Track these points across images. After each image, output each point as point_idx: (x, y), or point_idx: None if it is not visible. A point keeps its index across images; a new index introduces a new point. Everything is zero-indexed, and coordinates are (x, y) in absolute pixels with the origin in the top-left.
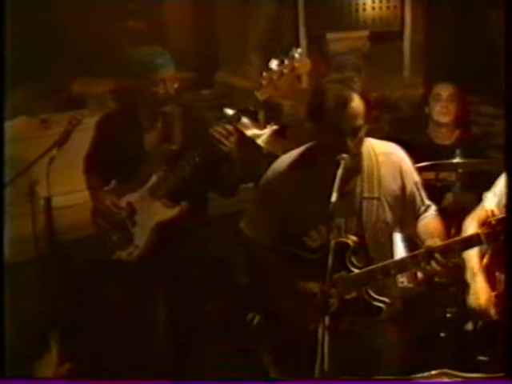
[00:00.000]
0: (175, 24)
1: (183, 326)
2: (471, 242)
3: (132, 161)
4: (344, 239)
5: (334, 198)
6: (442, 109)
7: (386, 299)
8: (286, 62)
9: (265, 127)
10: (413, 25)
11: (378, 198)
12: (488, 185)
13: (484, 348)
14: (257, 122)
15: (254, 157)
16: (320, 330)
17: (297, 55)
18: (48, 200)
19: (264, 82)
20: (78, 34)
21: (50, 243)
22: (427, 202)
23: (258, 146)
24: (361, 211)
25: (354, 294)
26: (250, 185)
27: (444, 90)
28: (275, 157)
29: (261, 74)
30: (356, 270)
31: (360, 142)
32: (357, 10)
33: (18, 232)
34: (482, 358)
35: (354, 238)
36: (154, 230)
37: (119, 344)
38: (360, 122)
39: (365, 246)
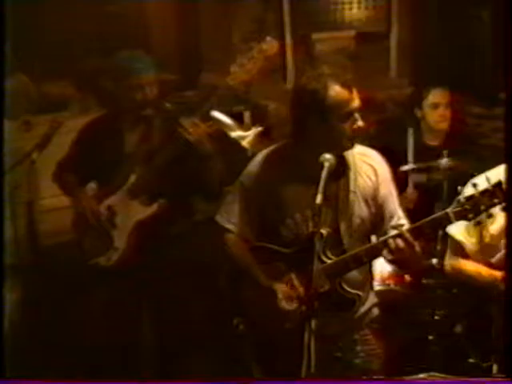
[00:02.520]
0: (158, 25)
1: (167, 332)
2: (440, 221)
3: (112, 164)
4: (318, 229)
5: (318, 199)
6: (441, 117)
7: (359, 292)
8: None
9: (249, 129)
10: (399, 25)
11: (354, 192)
12: None
13: (473, 350)
14: (241, 124)
15: (239, 159)
16: (306, 334)
17: (262, 40)
18: (29, 204)
19: (235, 69)
20: (59, 35)
21: (31, 248)
22: (401, 215)
23: (243, 148)
24: (337, 203)
25: (326, 287)
26: None
27: (442, 98)
28: None
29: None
30: (328, 260)
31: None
32: (343, 9)
33: None
34: (471, 360)
35: (328, 229)
36: (134, 231)
37: (101, 352)
38: (348, 108)
39: (339, 238)
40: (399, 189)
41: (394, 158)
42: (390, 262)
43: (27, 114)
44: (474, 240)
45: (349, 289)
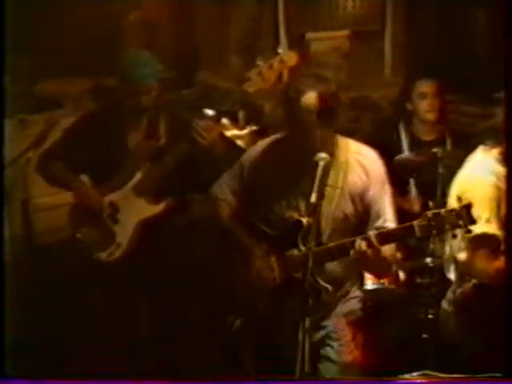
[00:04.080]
0: (155, 24)
1: (167, 328)
2: (405, 232)
3: (115, 160)
4: (299, 218)
5: (313, 198)
6: (428, 106)
7: (328, 286)
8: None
9: (244, 128)
10: (394, 24)
11: (341, 188)
12: None
13: (467, 349)
14: (236, 123)
15: (236, 158)
16: (300, 333)
17: (281, 50)
18: (25, 202)
19: (252, 76)
20: (56, 33)
21: (27, 247)
22: (389, 217)
23: (240, 148)
24: (322, 197)
25: (299, 275)
26: None
27: (428, 87)
28: None
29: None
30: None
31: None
32: (337, 9)
33: None
34: (464, 358)
35: (309, 219)
36: (138, 228)
37: (101, 348)
38: (311, 117)
39: (319, 230)
40: (400, 192)
41: (389, 155)
42: (356, 261)
43: (23, 112)
44: None
45: (320, 280)
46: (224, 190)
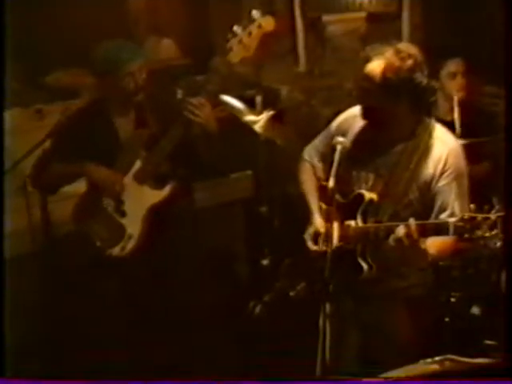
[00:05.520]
0: (168, 10)
1: (182, 319)
2: (441, 228)
3: (109, 154)
4: (362, 192)
5: (331, 183)
6: (458, 86)
7: (370, 262)
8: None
9: (261, 113)
10: (411, 5)
11: (413, 172)
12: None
13: (490, 332)
14: (253, 108)
15: (251, 143)
16: (321, 319)
17: (258, 15)
18: (42, 193)
19: (233, 46)
20: (68, 23)
21: (46, 237)
22: (456, 212)
23: (255, 133)
24: (391, 176)
25: (351, 246)
26: (249, 172)
27: (458, 67)
28: (273, 143)
29: (227, 41)
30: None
31: None
32: None
33: (14, 226)
34: (488, 342)
35: (374, 195)
36: (148, 216)
37: (116, 341)
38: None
39: (379, 208)
40: None
41: None
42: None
43: (39, 102)
44: None
45: (367, 257)
46: (311, 152)
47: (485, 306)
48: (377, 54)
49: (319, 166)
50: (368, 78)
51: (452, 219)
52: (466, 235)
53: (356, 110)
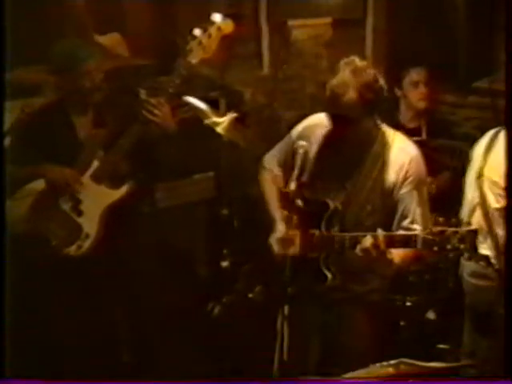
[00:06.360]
0: (134, 10)
1: (142, 319)
2: (409, 240)
3: (67, 153)
4: (327, 200)
5: (292, 186)
6: (420, 95)
7: (334, 271)
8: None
9: (224, 115)
10: (375, 12)
11: (375, 181)
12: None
13: (443, 336)
14: (216, 110)
15: (214, 145)
16: (279, 321)
17: (218, 19)
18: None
19: (194, 47)
20: (31, 20)
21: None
22: (417, 219)
23: (218, 135)
24: (355, 185)
25: (315, 255)
26: (211, 174)
27: (421, 76)
28: (235, 145)
29: (187, 43)
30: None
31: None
32: None
33: None
34: (442, 346)
35: (338, 204)
36: (105, 215)
37: (72, 341)
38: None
39: (344, 216)
40: None
41: None
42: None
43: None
44: None
45: (331, 265)
46: (271, 160)
47: (440, 311)
48: (349, 67)
49: (279, 174)
50: (341, 89)
51: (420, 232)
52: (435, 248)
53: (317, 117)
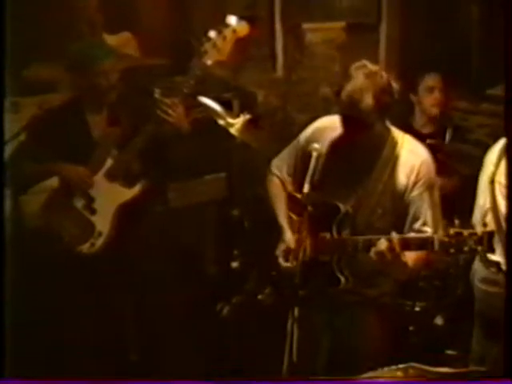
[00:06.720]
0: (147, 9)
1: (151, 318)
2: (425, 242)
3: (81, 151)
4: (338, 203)
5: (306, 188)
6: (434, 101)
7: (347, 274)
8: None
9: (238, 116)
10: (389, 17)
11: (385, 184)
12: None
13: (452, 342)
14: (230, 111)
15: (227, 145)
16: (289, 323)
17: (233, 21)
18: (16, 186)
19: (208, 49)
20: (48, 17)
21: (16, 231)
22: (428, 221)
23: (231, 136)
24: (366, 188)
25: (326, 258)
26: (223, 175)
27: (436, 82)
28: (248, 146)
29: (201, 44)
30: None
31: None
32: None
33: None
34: (450, 352)
35: (349, 207)
36: (118, 213)
37: (83, 338)
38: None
39: (354, 219)
40: None
41: None
42: (375, 260)
43: (15, 95)
44: None
45: (344, 269)
46: (280, 165)
47: (448, 317)
48: (361, 71)
49: (288, 179)
50: (359, 94)
51: (436, 234)
52: (452, 250)
53: (327, 120)
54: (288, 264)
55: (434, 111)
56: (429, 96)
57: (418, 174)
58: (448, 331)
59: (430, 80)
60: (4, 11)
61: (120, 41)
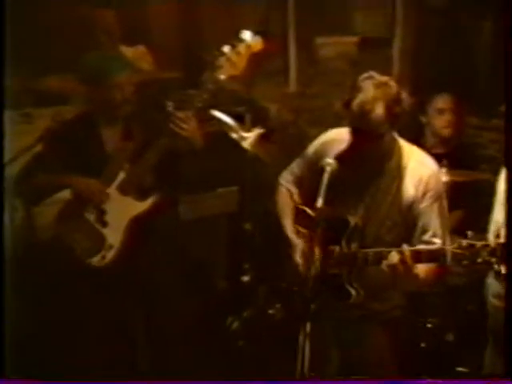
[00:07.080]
0: (161, 23)
1: (162, 331)
2: (437, 254)
3: (94, 163)
4: (347, 217)
5: (319, 203)
6: (445, 123)
7: (357, 287)
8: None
9: (250, 130)
10: (403, 33)
11: (394, 196)
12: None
13: (464, 359)
14: (242, 125)
15: (239, 159)
16: (301, 337)
17: (247, 36)
18: (29, 197)
19: (223, 63)
20: (60, 29)
21: (28, 243)
22: (438, 232)
23: (243, 149)
24: (374, 201)
25: (336, 271)
26: (234, 188)
27: (447, 104)
28: (260, 160)
29: (214, 58)
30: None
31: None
32: (347, 14)
33: None
34: (461, 369)
35: (358, 220)
36: (129, 227)
37: (93, 351)
38: (382, 128)
39: (364, 233)
40: None
41: None
42: (387, 273)
43: (27, 106)
44: None
45: (354, 282)
46: (288, 177)
47: (459, 334)
48: (370, 82)
49: (296, 191)
50: (370, 104)
51: (450, 246)
52: (465, 262)
53: (334, 133)
54: (298, 278)
55: (445, 132)
56: (439, 117)
57: (426, 185)
58: (460, 348)
59: (441, 101)
60: (19, 22)
61: (136, 54)
